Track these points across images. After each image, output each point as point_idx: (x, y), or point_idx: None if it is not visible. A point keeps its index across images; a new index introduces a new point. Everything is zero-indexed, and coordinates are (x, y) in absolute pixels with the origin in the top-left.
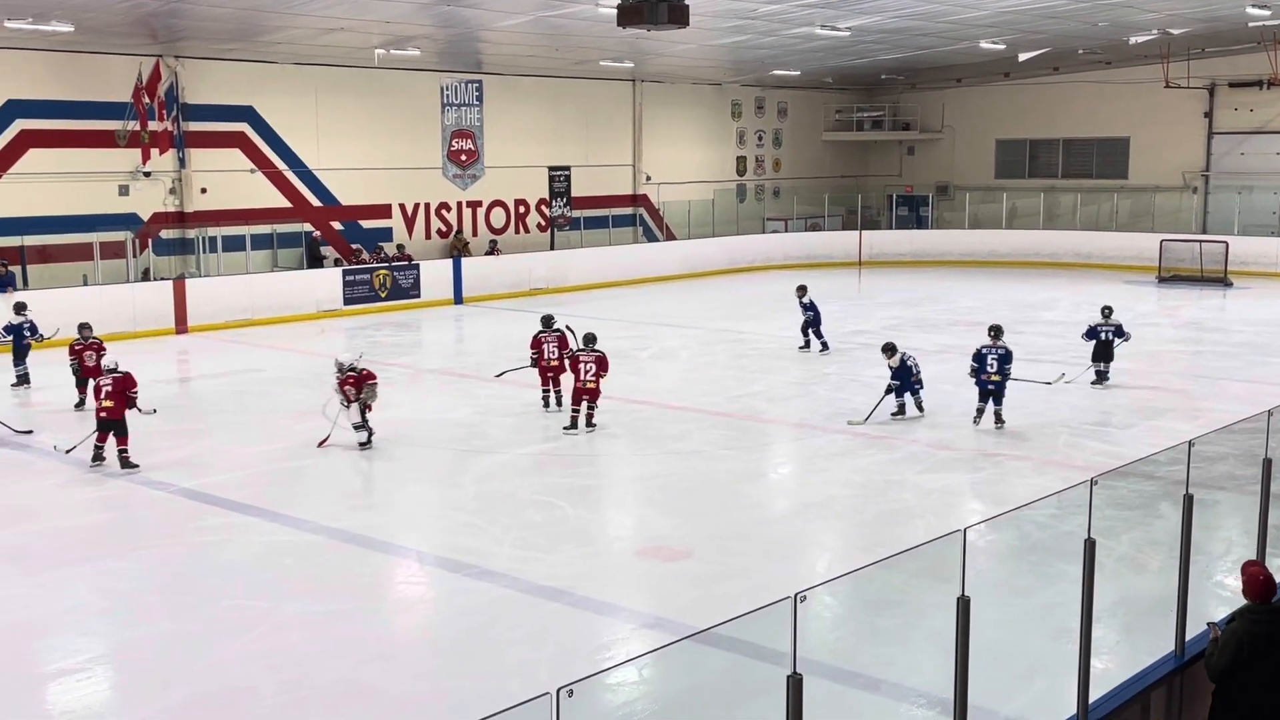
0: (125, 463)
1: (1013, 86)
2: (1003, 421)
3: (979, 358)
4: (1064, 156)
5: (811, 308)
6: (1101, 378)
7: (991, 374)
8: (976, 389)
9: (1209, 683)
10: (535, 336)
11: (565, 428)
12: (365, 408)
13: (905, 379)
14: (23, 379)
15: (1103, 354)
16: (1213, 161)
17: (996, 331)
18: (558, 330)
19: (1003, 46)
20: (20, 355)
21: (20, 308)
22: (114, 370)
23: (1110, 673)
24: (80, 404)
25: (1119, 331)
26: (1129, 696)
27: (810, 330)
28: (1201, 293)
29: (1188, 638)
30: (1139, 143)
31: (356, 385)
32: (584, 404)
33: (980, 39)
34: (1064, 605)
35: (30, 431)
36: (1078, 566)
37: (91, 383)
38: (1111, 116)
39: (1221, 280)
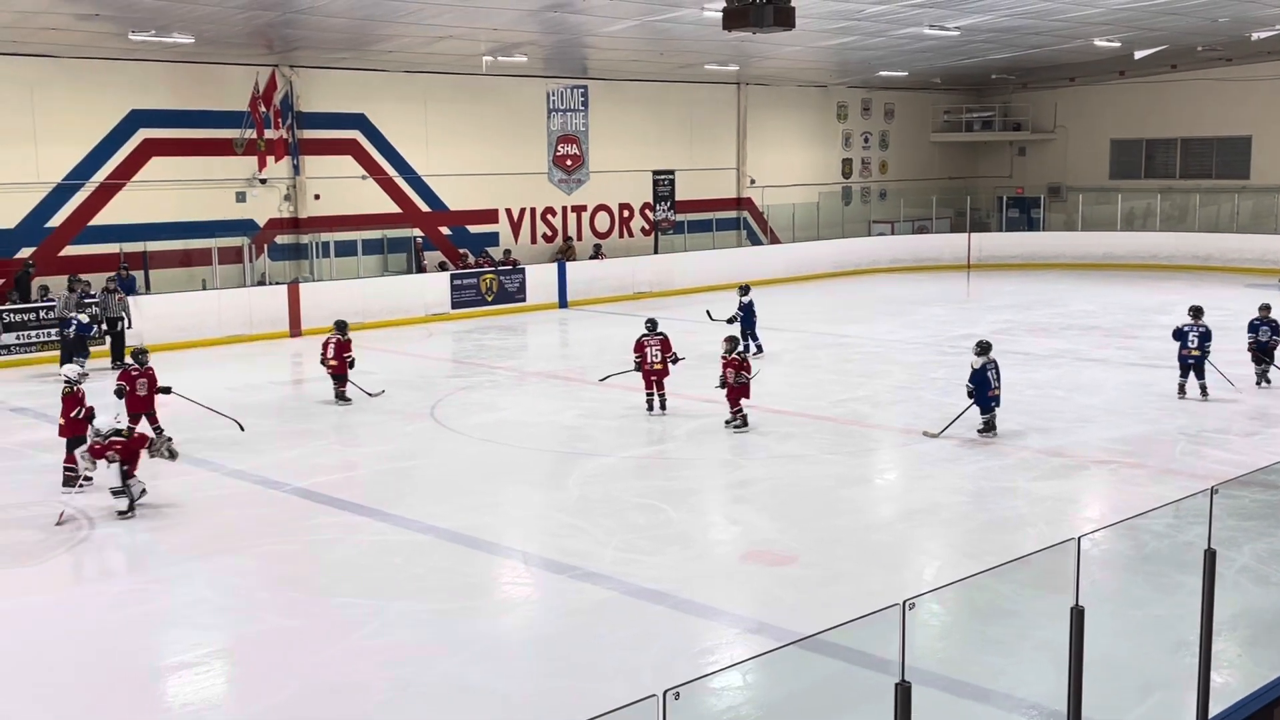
0: (66, 479)
1: (1128, 85)
2: (1208, 394)
3: (1180, 334)
4: (1182, 156)
5: (748, 308)
6: (1260, 377)
7: (1191, 349)
8: (1178, 364)
9: None
10: (638, 340)
11: (726, 421)
12: (127, 468)
13: (980, 388)
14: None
15: (1261, 352)
16: None
17: (1196, 312)
18: (660, 334)
19: (1118, 44)
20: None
21: (82, 306)
22: (72, 382)
23: (1231, 687)
24: (340, 396)
25: (1276, 329)
26: (1251, 712)
27: (746, 333)
28: None
29: None
30: (1262, 141)
31: (125, 451)
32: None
33: (1094, 37)
34: (1182, 617)
35: (383, 392)
36: (1196, 578)
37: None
38: (1232, 115)
39: None
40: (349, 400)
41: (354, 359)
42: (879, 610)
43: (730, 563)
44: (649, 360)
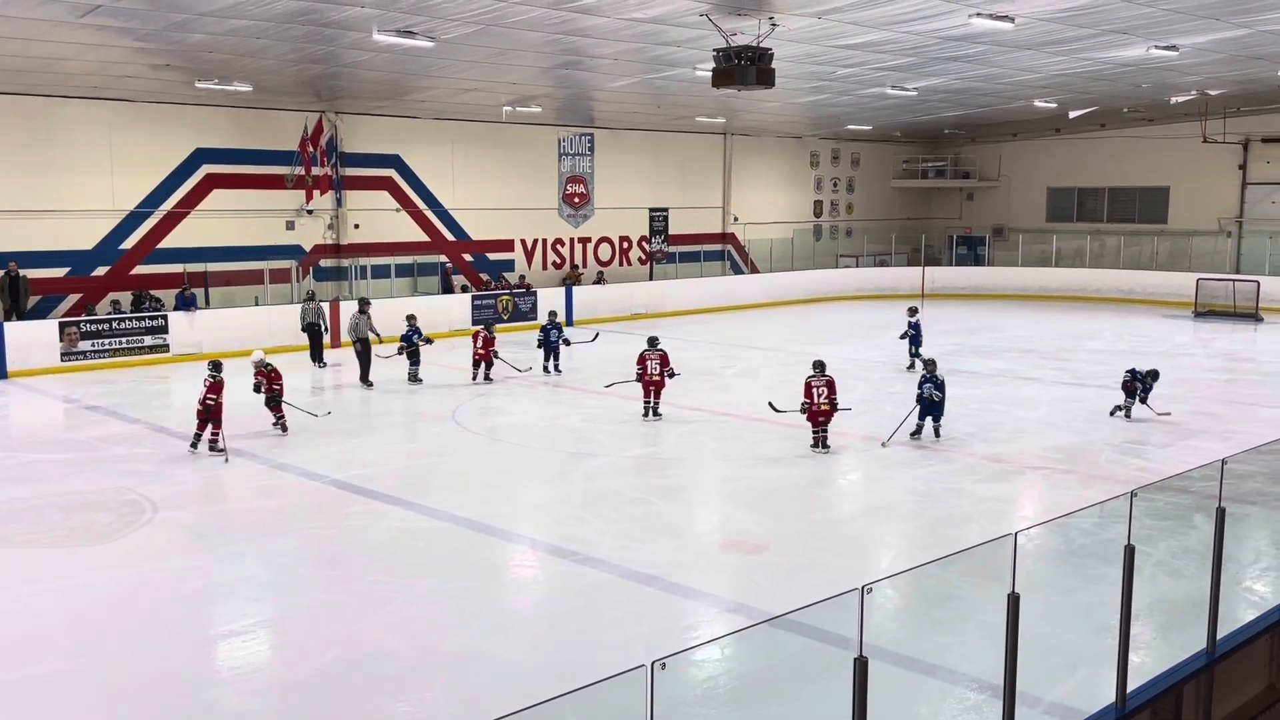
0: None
1: (1063, 140)
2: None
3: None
4: (1109, 203)
5: (558, 329)
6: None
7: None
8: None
9: (1239, 677)
10: (641, 354)
11: (811, 446)
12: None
13: (918, 397)
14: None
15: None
16: (1246, 209)
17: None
18: (660, 350)
19: (1054, 105)
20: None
21: (411, 319)
22: (215, 372)
23: (1146, 666)
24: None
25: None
26: (1164, 688)
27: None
28: (1234, 327)
29: (1218, 637)
30: (1178, 191)
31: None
32: (822, 426)
33: (1034, 98)
34: (1104, 604)
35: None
36: (1118, 570)
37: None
38: (1153, 168)
39: (1253, 316)
40: (490, 381)
41: (498, 351)
42: (841, 594)
43: (713, 551)
44: (649, 372)
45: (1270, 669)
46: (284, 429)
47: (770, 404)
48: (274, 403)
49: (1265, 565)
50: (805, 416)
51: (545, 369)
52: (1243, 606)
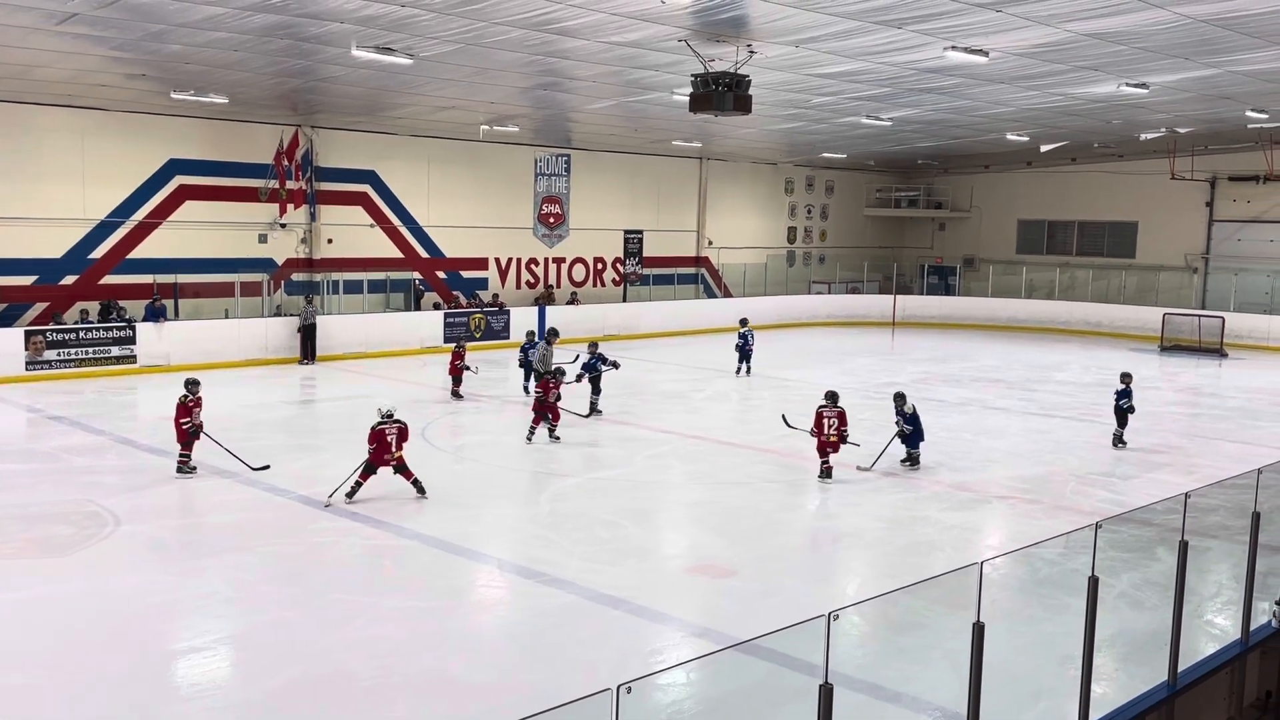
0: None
1: (1034, 173)
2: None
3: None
4: (1078, 236)
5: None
6: (1117, 440)
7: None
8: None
9: (1199, 709)
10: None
11: (819, 477)
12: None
13: (917, 425)
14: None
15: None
16: (1212, 246)
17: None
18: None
19: (1026, 138)
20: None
21: (594, 346)
22: (194, 390)
23: (1108, 697)
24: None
25: (1124, 394)
26: (1126, 719)
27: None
28: (1199, 362)
29: (1179, 669)
30: (1146, 227)
31: (403, 435)
32: (829, 456)
33: (1007, 131)
34: (1068, 635)
35: (268, 467)
36: (1082, 600)
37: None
38: (1122, 203)
39: (1218, 351)
40: (460, 398)
41: (467, 365)
42: (807, 620)
43: (679, 574)
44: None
45: (1229, 702)
46: (422, 491)
47: (783, 417)
48: (402, 470)
49: (1226, 599)
50: (815, 446)
51: (525, 389)
52: (1204, 639)
